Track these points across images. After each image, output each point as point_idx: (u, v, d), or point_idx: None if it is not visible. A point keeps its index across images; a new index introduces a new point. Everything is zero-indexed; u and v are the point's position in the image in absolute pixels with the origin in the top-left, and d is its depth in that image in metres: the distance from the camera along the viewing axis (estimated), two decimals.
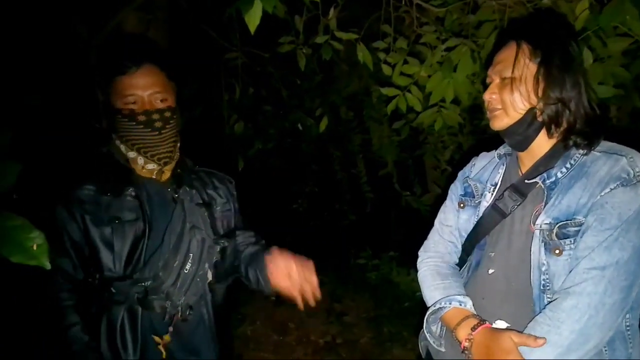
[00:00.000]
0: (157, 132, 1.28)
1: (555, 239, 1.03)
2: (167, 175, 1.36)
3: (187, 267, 1.31)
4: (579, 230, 1.00)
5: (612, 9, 1.39)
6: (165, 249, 1.30)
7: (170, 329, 1.29)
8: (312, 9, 2.09)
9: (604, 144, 1.07)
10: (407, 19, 2.13)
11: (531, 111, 1.09)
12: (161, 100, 1.29)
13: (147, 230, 1.27)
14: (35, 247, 0.70)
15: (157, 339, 1.28)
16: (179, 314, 1.30)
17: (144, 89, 1.27)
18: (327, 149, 4.75)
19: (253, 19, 1.20)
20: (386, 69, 2.04)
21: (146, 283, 1.27)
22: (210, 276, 1.37)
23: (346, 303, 4.06)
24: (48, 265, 0.71)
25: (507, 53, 1.13)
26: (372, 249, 4.67)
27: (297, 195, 6.00)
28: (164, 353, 1.28)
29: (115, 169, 1.32)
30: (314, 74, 3.17)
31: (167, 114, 1.29)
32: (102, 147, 1.36)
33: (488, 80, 1.18)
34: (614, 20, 1.42)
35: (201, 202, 1.39)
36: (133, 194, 1.28)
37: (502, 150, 1.29)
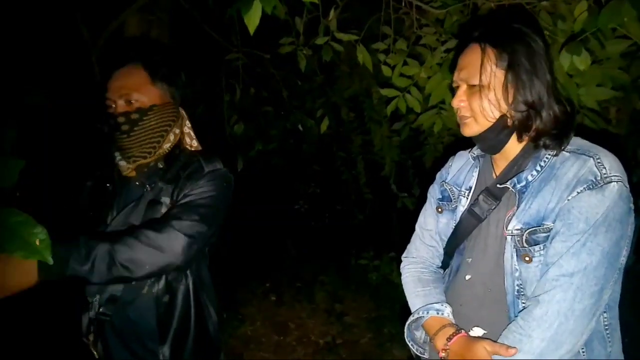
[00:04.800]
0: (125, 135, 1.29)
1: (526, 245, 1.02)
2: (132, 172, 1.36)
3: None
4: (548, 236, 1.00)
5: (611, 11, 1.38)
6: None
7: (91, 328, 1.31)
8: (312, 10, 2.10)
9: (575, 142, 1.06)
10: (407, 20, 2.14)
11: (502, 118, 1.07)
12: (128, 102, 1.29)
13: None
14: (38, 242, 0.71)
15: (85, 340, 1.32)
16: (96, 308, 1.30)
17: (116, 92, 1.31)
18: (329, 150, 4.75)
19: (252, 20, 1.20)
20: (386, 70, 2.05)
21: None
22: None
23: (347, 303, 4.07)
24: (51, 260, 0.72)
25: (472, 57, 1.09)
26: (373, 250, 4.67)
27: (299, 196, 6.01)
28: (96, 354, 1.31)
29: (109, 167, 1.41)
30: (315, 75, 3.18)
31: (134, 116, 1.29)
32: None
33: (454, 85, 1.15)
34: (612, 22, 1.42)
35: (154, 199, 1.32)
36: (111, 188, 1.35)
37: (476, 151, 1.27)
